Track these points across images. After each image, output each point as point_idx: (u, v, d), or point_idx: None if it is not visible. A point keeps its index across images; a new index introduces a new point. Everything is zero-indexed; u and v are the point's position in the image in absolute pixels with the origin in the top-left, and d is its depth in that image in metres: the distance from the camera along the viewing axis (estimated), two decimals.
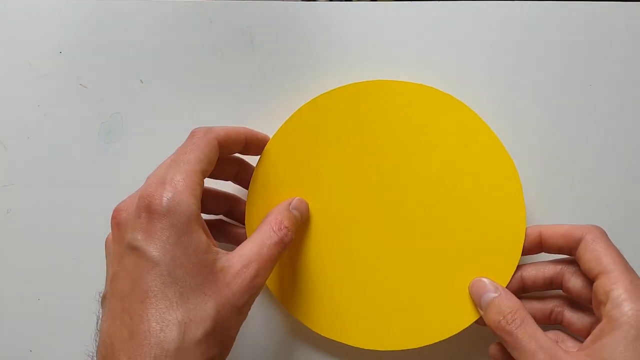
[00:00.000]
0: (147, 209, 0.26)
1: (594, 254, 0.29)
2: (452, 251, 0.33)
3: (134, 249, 0.26)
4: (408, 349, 0.33)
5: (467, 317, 0.33)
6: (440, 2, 0.38)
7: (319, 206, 0.34)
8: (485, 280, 0.32)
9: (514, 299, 0.31)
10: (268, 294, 0.36)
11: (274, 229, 0.30)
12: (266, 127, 0.37)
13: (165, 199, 0.26)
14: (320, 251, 0.34)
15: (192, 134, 0.30)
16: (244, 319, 0.28)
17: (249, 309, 0.28)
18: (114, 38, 0.38)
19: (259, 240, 0.29)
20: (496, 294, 0.31)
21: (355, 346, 0.34)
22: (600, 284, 0.28)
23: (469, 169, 0.33)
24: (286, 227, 0.30)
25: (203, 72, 0.38)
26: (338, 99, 0.34)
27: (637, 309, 0.27)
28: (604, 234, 0.30)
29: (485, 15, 0.37)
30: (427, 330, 0.33)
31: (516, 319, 0.29)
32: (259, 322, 0.36)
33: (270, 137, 0.35)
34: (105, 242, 0.29)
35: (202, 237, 0.27)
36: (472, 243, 0.33)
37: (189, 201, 0.26)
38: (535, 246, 0.33)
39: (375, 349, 0.34)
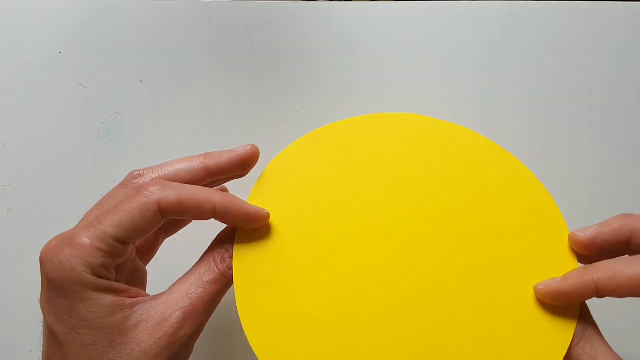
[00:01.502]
0: (42, 273, 0.24)
1: None
2: (493, 276, 0.26)
3: (43, 314, 0.24)
4: None
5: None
6: (440, 2, 0.38)
7: (325, 238, 0.26)
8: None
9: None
10: None
11: (216, 260, 0.25)
12: (265, 127, 0.37)
13: (56, 267, 0.23)
14: (324, 289, 0.26)
15: (138, 188, 0.25)
16: None
17: None
18: (114, 38, 0.38)
19: (194, 278, 0.24)
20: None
21: None
22: None
23: (496, 199, 0.27)
24: (231, 258, 0.25)
25: (203, 72, 0.38)
26: (348, 128, 0.28)
27: None
28: None
29: (484, 15, 0.37)
30: None
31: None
32: None
33: (280, 147, 0.28)
34: None
35: (102, 301, 0.23)
36: (513, 264, 0.26)
37: (78, 270, 0.23)
38: (623, 249, 0.25)
39: None
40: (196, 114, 0.38)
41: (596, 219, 0.33)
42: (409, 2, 0.38)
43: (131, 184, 0.26)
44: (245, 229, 0.26)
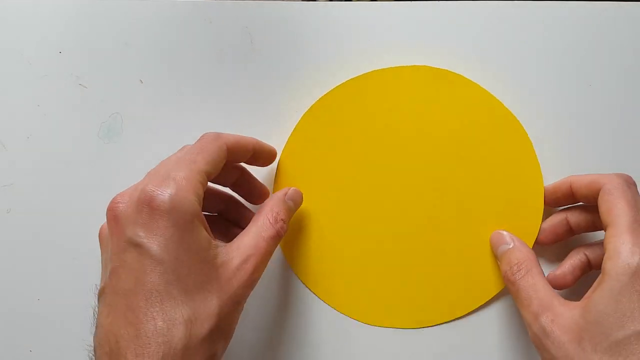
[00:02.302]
0: (149, 204, 0.26)
1: (606, 205, 0.29)
2: (474, 220, 0.35)
3: (137, 245, 0.25)
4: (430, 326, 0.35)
5: (492, 287, 0.34)
6: (440, 2, 0.38)
7: (342, 194, 0.36)
8: (503, 232, 0.33)
9: (526, 250, 0.31)
10: (289, 280, 0.36)
11: (271, 221, 0.30)
12: (266, 127, 0.37)
13: (168, 195, 0.26)
14: (346, 233, 0.35)
15: (202, 136, 0.30)
16: (242, 310, 0.29)
17: (245, 301, 0.29)
18: (114, 38, 0.38)
19: (256, 232, 0.29)
20: (510, 245, 0.32)
21: (382, 326, 0.35)
22: (606, 236, 0.28)
23: (478, 137, 0.35)
24: (282, 220, 0.30)
25: (203, 72, 0.38)
26: (346, 93, 0.36)
27: (626, 262, 0.26)
28: (625, 183, 0.29)
29: (485, 15, 0.37)
30: (454, 304, 0.35)
31: (521, 269, 0.30)
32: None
33: (280, 147, 0.36)
34: (100, 232, 0.29)
35: (203, 235, 0.27)
36: (493, 209, 0.34)
37: (191, 199, 0.26)
38: (568, 197, 0.33)
39: (408, 327, 0.35)
40: (196, 113, 0.38)
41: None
42: (410, 2, 0.38)
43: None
44: (269, 163, 0.35)
